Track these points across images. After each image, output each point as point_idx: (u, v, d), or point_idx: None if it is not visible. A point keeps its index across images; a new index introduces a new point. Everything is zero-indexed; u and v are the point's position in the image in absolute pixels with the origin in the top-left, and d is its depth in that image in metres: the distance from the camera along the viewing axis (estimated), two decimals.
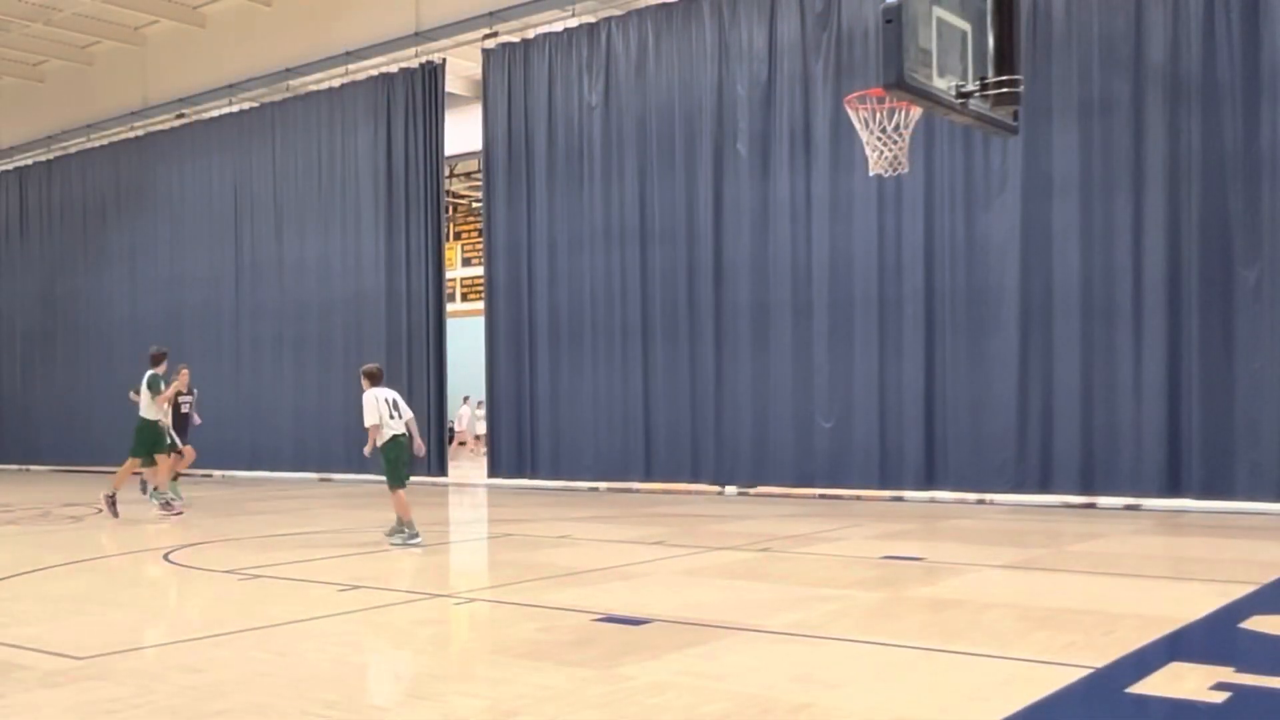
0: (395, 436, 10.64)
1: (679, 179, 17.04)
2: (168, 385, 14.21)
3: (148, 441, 13.84)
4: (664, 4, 17.28)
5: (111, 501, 13.59)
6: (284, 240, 22.48)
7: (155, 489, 14.24)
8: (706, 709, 4.75)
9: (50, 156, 27.37)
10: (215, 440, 19.93)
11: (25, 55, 25.78)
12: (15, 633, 6.69)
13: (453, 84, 21.28)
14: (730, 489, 16.27)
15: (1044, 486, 14.05)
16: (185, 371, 15.65)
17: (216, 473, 22.53)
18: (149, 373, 13.99)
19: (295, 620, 7.00)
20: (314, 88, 22.03)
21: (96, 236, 26.29)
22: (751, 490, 16.03)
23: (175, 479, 14.85)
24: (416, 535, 10.63)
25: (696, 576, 8.90)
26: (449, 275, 29.09)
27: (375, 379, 10.91)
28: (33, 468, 26.79)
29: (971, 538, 11.06)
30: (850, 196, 15.41)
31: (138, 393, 14.07)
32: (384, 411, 10.60)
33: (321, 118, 21.89)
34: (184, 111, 24.13)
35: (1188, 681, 5.11)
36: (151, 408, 13.84)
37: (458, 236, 37.13)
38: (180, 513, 13.89)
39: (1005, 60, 7.39)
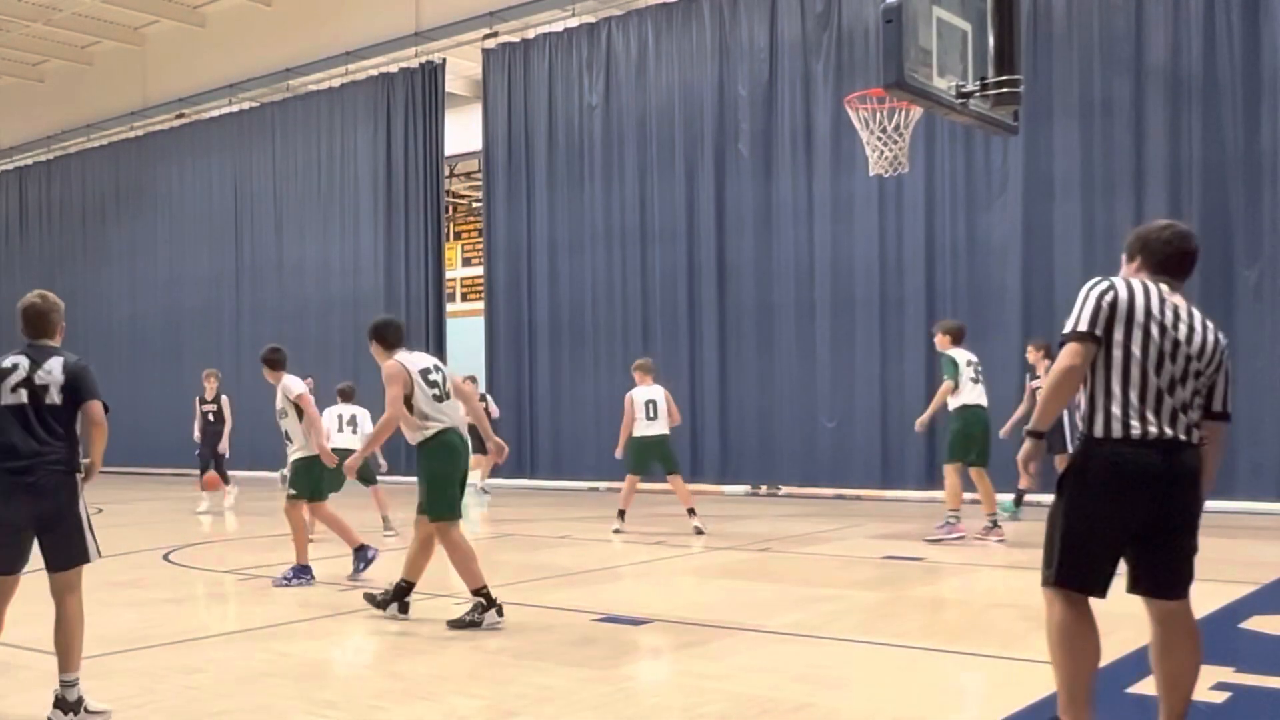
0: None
1: (679, 179, 17.02)
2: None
3: (967, 438, 10.95)
4: (664, 4, 17.26)
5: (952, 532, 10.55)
6: (284, 240, 22.46)
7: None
8: (706, 709, 4.75)
9: (50, 156, 27.35)
10: None
11: (25, 55, 25.74)
12: (15, 633, 6.67)
13: (453, 84, 21.25)
14: (737, 489, 16.24)
15: (1045, 486, 13.96)
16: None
17: None
18: (968, 355, 11.00)
19: (295, 620, 7.00)
20: (314, 88, 22.02)
21: (96, 236, 26.27)
22: (761, 490, 15.99)
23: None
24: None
25: (696, 576, 8.91)
26: (449, 275, 29.04)
27: (345, 396, 11.96)
28: None
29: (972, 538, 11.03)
30: (851, 197, 15.40)
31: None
32: (331, 425, 11.62)
33: (321, 118, 21.87)
34: (184, 111, 24.11)
35: None
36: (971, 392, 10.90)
37: (458, 236, 37.03)
38: (961, 535, 10.51)
39: (1005, 60, 7.37)
